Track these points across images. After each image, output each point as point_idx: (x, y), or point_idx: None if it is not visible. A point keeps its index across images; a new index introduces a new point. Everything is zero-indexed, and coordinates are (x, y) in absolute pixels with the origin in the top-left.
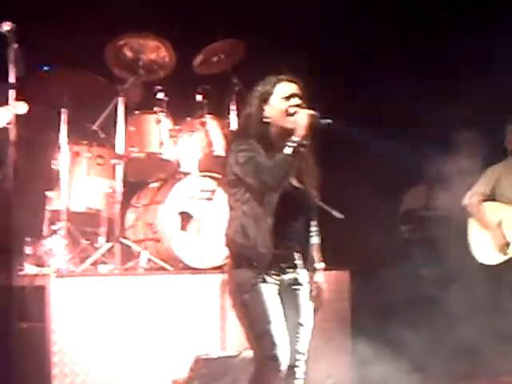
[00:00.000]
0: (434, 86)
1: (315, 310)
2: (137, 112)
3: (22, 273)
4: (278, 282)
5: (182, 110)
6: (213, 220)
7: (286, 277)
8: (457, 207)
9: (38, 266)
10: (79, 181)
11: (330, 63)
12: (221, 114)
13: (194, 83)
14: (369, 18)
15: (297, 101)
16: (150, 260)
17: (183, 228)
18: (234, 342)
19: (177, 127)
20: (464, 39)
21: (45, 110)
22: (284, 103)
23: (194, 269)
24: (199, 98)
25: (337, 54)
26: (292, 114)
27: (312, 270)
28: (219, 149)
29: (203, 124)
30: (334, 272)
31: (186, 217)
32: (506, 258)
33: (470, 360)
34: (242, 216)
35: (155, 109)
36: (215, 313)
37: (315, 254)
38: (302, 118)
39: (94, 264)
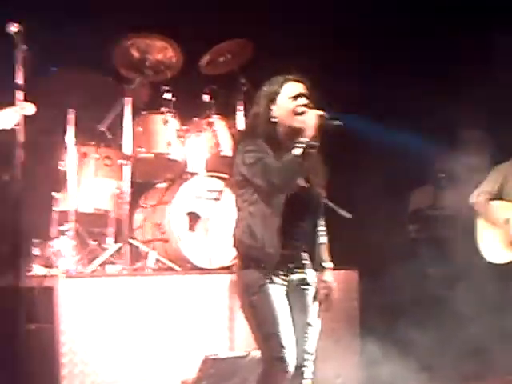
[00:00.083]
0: (441, 85)
1: (325, 310)
2: (144, 112)
3: (30, 274)
4: (286, 283)
5: (189, 110)
6: (220, 220)
7: (293, 277)
8: (464, 206)
9: (47, 267)
10: (87, 182)
11: (340, 62)
12: (228, 114)
13: (201, 83)
14: (379, 17)
15: (304, 100)
16: (158, 260)
17: (191, 228)
18: (243, 343)
19: (184, 127)
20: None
21: (52, 111)
22: (291, 103)
23: (202, 269)
24: (206, 98)
25: (346, 53)
26: (300, 114)
27: (321, 269)
28: (226, 149)
29: (210, 124)
30: (342, 272)
31: (193, 217)
32: None
33: (478, 359)
34: (250, 217)
35: (162, 109)
36: (223, 313)
37: (323, 253)
38: (310, 119)
39: (103, 265)
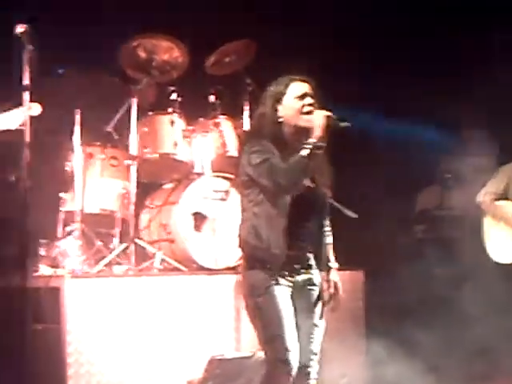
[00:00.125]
0: (441, 85)
1: (332, 310)
2: (150, 113)
3: (36, 274)
4: (292, 284)
5: (195, 111)
6: (227, 220)
7: (299, 278)
8: (471, 206)
9: (53, 267)
10: (93, 182)
11: (343, 62)
12: (234, 114)
13: (207, 84)
14: (383, 16)
15: (310, 100)
16: (164, 261)
17: (197, 229)
18: (249, 343)
19: (190, 128)
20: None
21: (58, 112)
22: (297, 102)
23: (209, 269)
24: (212, 98)
25: (350, 53)
26: (306, 113)
27: (326, 269)
28: (233, 149)
29: (217, 124)
30: (348, 272)
31: (200, 217)
32: None
33: (485, 360)
34: (255, 217)
35: (169, 109)
36: (230, 313)
37: (328, 253)
38: (318, 119)
39: (109, 265)
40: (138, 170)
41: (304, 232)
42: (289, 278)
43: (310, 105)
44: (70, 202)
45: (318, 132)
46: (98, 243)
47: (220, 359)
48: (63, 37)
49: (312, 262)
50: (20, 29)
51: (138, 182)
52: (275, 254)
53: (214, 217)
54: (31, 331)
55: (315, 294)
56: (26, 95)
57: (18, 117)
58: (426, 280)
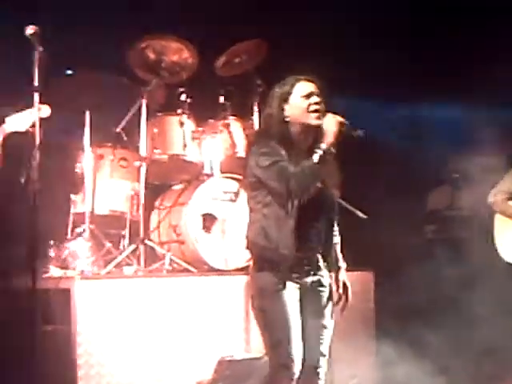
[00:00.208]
0: (442, 85)
1: (341, 310)
2: (160, 114)
3: (46, 275)
4: (300, 286)
5: (204, 112)
6: (237, 221)
7: (308, 279)
8: (482, 207)
9: (63, 268)
10: (103, 183)
11: (354, 63)
12: (244, 115)
13: (217, 85)
14: (394, 17)
15: (316, 99)
16: (174, 262)
17: (207, 230)
18: (259, 344)
19: (200, 129)
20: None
21: (68, 113)
22: (304, 101)
23: (219, 270)
24: (222, 99)
25: (360, 53)
26: (313, 111)
27: (336, 269)
28: (242, 150)
29: (226, 125)
30: (358, 273)
31: (210, 218)
32: None
33: (495, 361)
34: (264, 218)
35: (178, 110)
36: (239, 315)
37: (338, 253)
38: (330, 124)
39: (118, 266)
40: (147, 171)
41: (313, 232)
42: (297, 281)
43: (316, 103)
44: (80, 203)
45: (330, 138)
46: (108, 244)
47: (229, 360)
48: (73, 38)
49: (321, 263)
50: (30, 30)
51: (147, 183)
52: (284, 254)
53: (224, 218)
54: (41, 332)
55: (325, 295)
56: (36, 97)
57: (28, 118)
58: (436, 280)
